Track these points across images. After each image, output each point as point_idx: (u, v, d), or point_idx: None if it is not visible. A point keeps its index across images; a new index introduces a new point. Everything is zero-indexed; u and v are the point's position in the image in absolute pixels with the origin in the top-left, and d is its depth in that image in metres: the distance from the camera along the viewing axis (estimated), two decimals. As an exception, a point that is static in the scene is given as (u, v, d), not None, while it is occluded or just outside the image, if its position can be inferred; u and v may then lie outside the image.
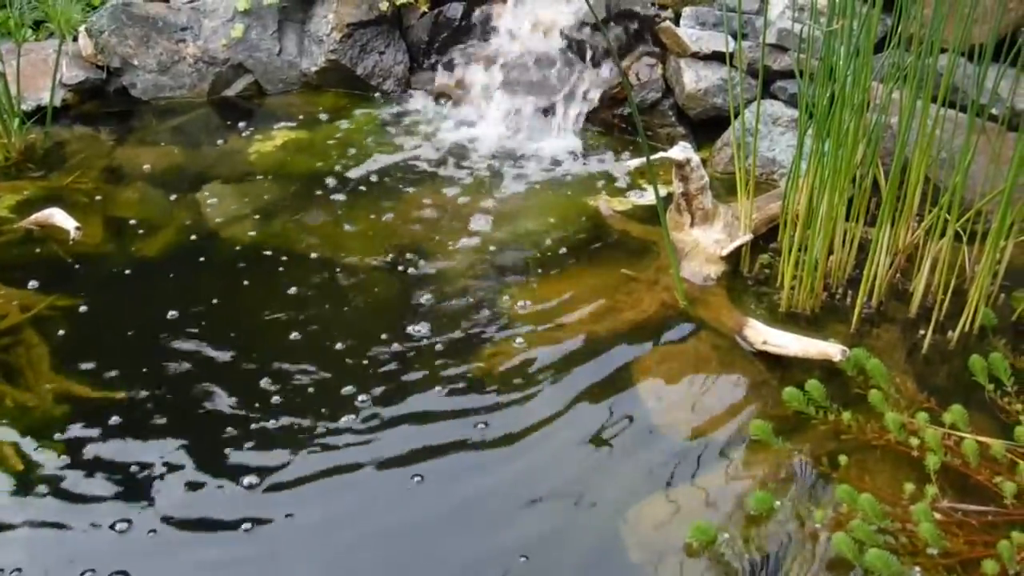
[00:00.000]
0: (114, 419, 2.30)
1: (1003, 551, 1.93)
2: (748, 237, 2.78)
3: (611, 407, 2.35)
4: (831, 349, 2.37)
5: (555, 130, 3.56)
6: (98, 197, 3.17)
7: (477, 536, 2.07)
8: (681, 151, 2.77)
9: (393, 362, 2.48)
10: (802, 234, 2.61)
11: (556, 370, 2.46)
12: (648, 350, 2.52)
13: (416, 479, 2.16)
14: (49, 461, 2.19)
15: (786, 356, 2.44)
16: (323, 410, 2.33)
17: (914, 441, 2.19)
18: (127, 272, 2.81)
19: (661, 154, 2.77)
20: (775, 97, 3.33)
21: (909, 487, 2.09)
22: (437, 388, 2.41)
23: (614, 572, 1.99)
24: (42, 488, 2.12)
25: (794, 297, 2.63)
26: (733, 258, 2.80)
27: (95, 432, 2.27)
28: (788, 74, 3.28)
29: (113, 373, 2.43)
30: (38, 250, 2.89)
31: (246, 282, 2.79)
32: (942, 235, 2.58)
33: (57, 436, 2.25)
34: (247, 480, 2.14)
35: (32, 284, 2.72)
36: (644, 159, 2.59)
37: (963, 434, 2.19)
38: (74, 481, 2.15)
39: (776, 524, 2.06)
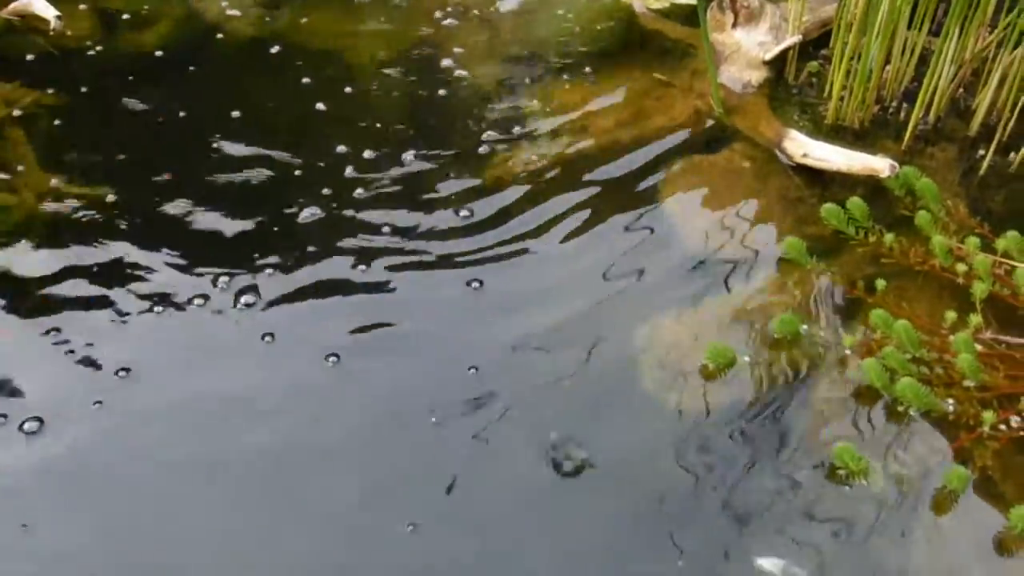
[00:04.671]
0: (102, 218, 2.17)
1: (1047, 386, 1.79)
2: (796, 39, 2.49)
3: (633, 219, 2.18)
4: (878, 163, 2.15)
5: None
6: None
7: (483, 341, 1.96)
8: (727, -60, 2.46)
9: (405, 166, 2.30)
10: (857, 40, 2.33)
11: (576, 177, 2.27)
12: (677, 160, 2.31)
13: (430, 281, 2.06)
14: (33, 259, 2.09)
15: (828, 171, 2.22)
16: (330, 212, 2.18)
17: (961, 268, 2.01)
18: (119, 68, 2.59)
19: (704, -57, 2.46)
20: None
21: (951, 316, 1.92)
22: (449, 191, 2.25)
23: (625, 391, 1.88)
24: (27, 290, 2.03)
25: (842, 109, 2.39)
26: (777, 64, 2.53)
27: (81, 231, 2.15)
28: None
29: (102, 172, 2.28)
30: (22, 43, 2.67)
31: (248, 80, 2.58)
32: (1016, 46, 2.29)
33: (43, 235, 2.13)
34: (234, 281, 2.03)
35: (17, 79, 2.53)
36: (685, -54, 2.29)
37: (1016, 263, 2.00)
38: (59, 279, 2.05)
39: (802, 349, 1.92)
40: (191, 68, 2.60)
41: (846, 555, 1.67)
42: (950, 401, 1.82)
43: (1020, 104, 2.30)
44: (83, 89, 2.52)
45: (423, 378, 1.90)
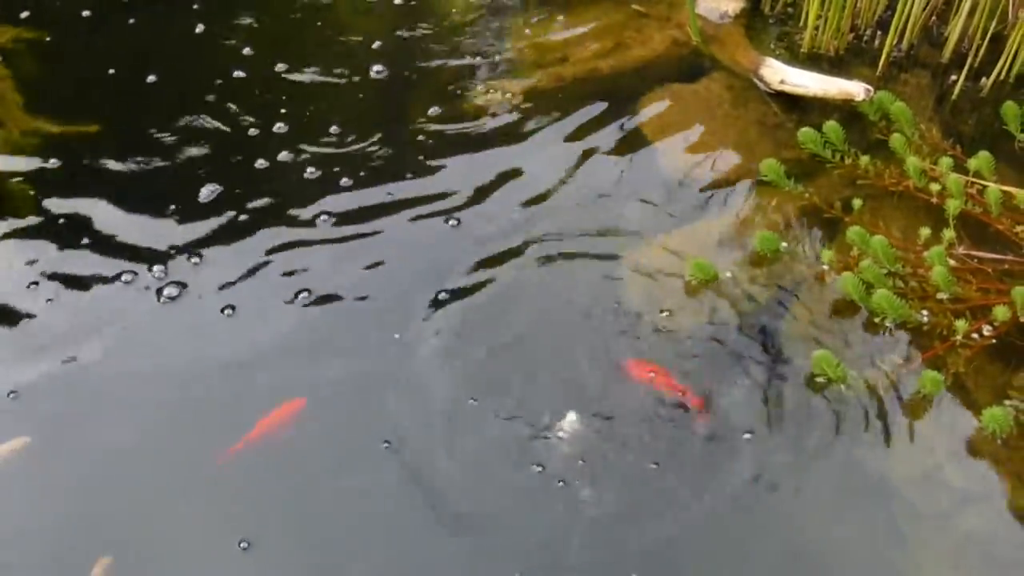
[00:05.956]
0: (83, 151, 2.19)
1: (1017, 297, 1.84)
2: (772, -31, 2.51)
3: (613, 147, 2.20)
4: (853, 87, 2.19)
5: None
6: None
7: (460, 267, 1.99)
8: None
9: (380, 101, 2.32)
10: (832, -31, 2.36)
11: (556, 107, 2.29)
12: (656, 89, 2.33)
13: (415, 210, 2.08)
14: (16, 192, 2.10)
15: (804, 98, 2.25)
16: (313, 143, 2.20)
17: (934, 187, 2.05)
18: (96, 6, 2.57)
19: None
20: None
21: (925, 232, 1.97)
22: (430, 119, 2.27)
23: (612, 309, 1.91)
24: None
25: (818, 38, 2.41)
26: (754, -7, 2.55)
27: (64, 164, 2.16)
28: None
29: (82, 106, 2.29)
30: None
31: (199, 12, 2.55)
32: (986, -26, 2.33)
33: (27, 167, 2.15)
34: (207, 210, 2.06)
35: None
36: None
37: (987, 182, 2.05)
38: (42, 212, 2.07)
39: (782, 265, 1.96)
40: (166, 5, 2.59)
41: (827, 460, 1.72)
42: (924, 312, 1.87)
43: (990, 31, 2.33)
44: (63, 27, 2.50)
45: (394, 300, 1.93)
